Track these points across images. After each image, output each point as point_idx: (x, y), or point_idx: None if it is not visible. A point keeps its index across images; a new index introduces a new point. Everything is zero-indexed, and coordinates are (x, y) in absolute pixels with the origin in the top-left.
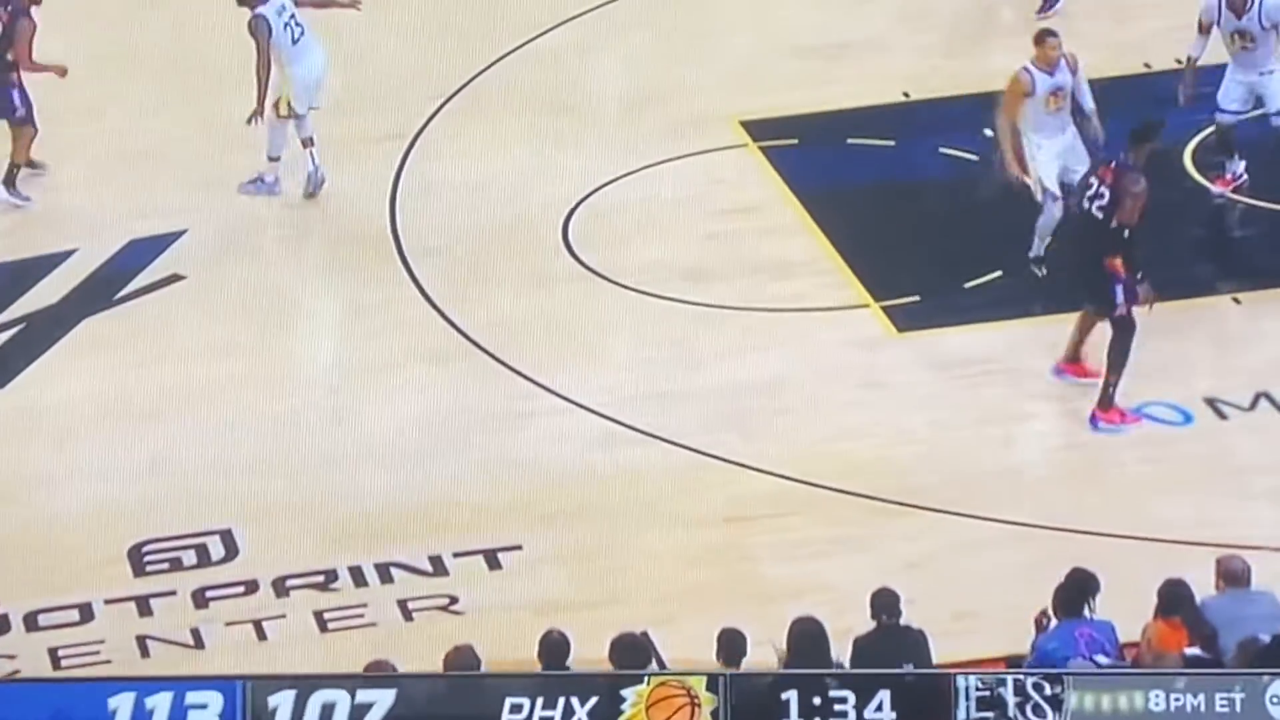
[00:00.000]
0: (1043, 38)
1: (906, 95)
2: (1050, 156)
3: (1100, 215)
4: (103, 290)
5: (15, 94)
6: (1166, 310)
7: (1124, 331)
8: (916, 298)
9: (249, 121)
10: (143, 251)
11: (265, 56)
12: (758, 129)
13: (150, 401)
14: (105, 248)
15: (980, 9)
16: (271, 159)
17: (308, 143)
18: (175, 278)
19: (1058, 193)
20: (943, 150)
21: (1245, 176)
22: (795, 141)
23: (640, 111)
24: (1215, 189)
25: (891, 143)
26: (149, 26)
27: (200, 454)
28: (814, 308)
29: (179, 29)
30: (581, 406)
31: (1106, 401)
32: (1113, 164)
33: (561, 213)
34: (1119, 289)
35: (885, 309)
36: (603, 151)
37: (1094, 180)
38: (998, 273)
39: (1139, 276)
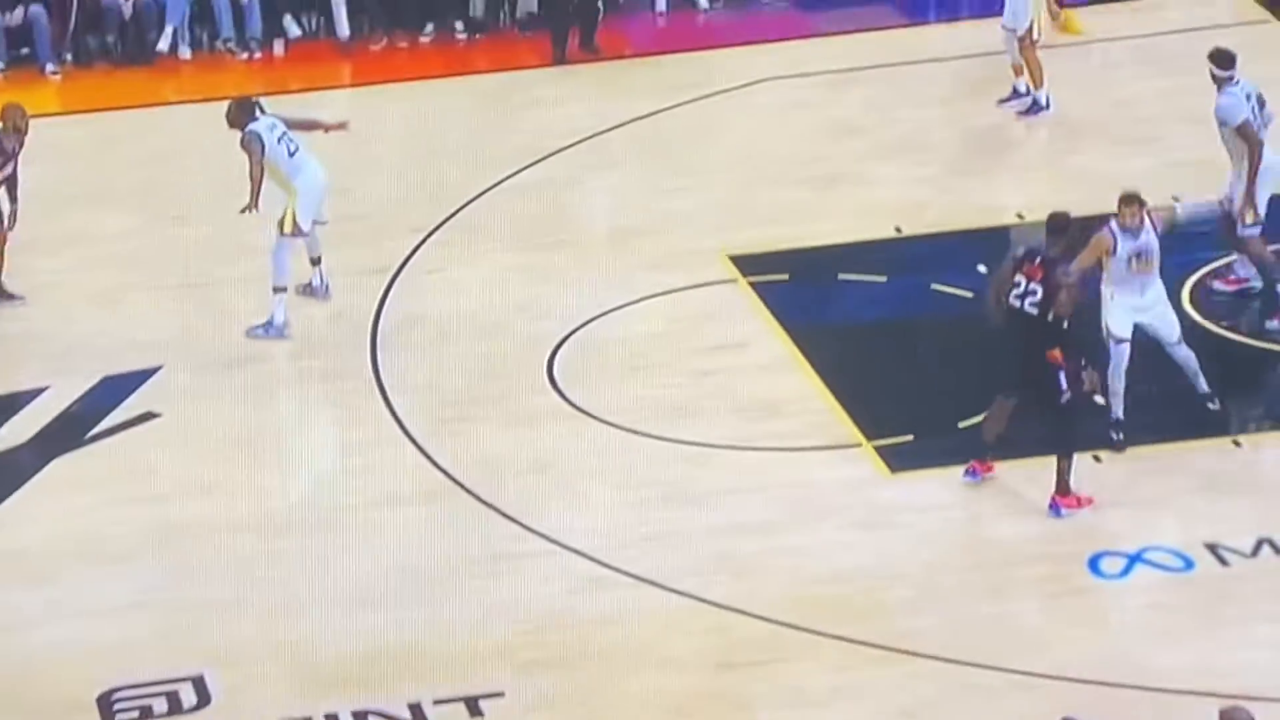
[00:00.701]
0: (1125, 202)
1: (899, 230)
2: (1124, 309)
3: (1035, 312)
4: (74, 428)
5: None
6: (1166, 452)
7: (1069, 417)
8: (910, 437)
9: (243, 212)
10: (116, 388)
11: (259, 168)
12: (747, 264)
13: (124, 542)
14: (78, 385)
15: (974, 142)
16: (277, 289)
17: (316, 261)
18: (149, 415)
19: (1124, 336)
20: (935, 287)
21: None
22: (785, 277)
23: (628, 245)
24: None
25: (883, 279)
26: (122, 160)
27: (175, 596)
28: (805, 447)
29: (151, 163)
30: (567, 548)
31: (1065, 487)
32: (1038, 260)
33: (547, 348)
34: (1061, 376)
35: (878, 449)
36: (589, 286)
37: (1021, 279)
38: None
39: (1083, 363)
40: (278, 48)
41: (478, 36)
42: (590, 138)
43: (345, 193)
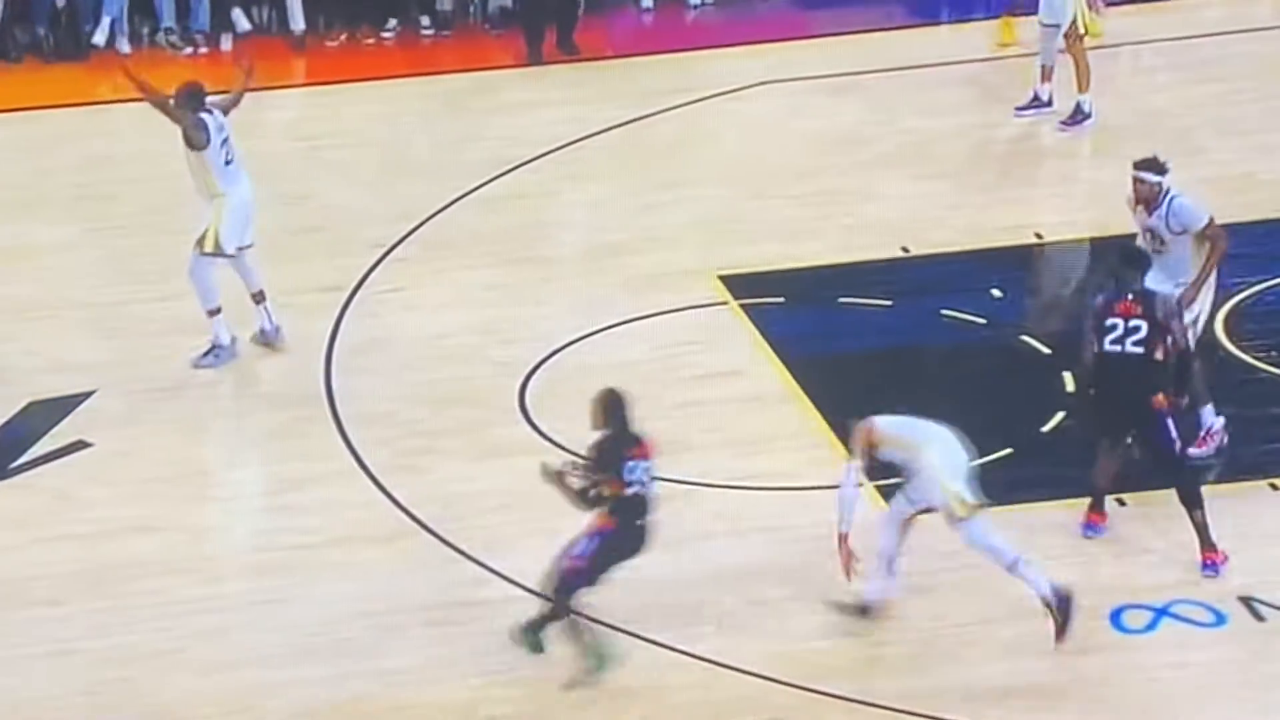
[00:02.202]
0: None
1: (905, 250)
2: None
3: (1140, 350)
4: None
5: None
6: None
7: (1190, 467)
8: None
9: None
10: (44, 415)
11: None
12: (739, 285)
13: (50, 586)
14: (1, 410)
15: (989, 154)
16: (211, 311)
17: (259, 297)
18: (81, 445)
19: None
20: (945, 313)
21: None
22: (780, 300)
23: (608, 264)
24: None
25: (888, 303)
26: (54, 165)
27: (107, 644)
28: (800, 486)
29: (87, 168)
30: (538, 595)
31: (1209, 541)
32: (1130, 296)
33: (518, 376)
34: (1170, 424)
35: (880, 488)
36: (565, 308)
37: (1117, 320)
38: (1007, 450)
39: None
40: (225, 43)
41: (445, 33)
42: (567, 145)
43: (299, 203)
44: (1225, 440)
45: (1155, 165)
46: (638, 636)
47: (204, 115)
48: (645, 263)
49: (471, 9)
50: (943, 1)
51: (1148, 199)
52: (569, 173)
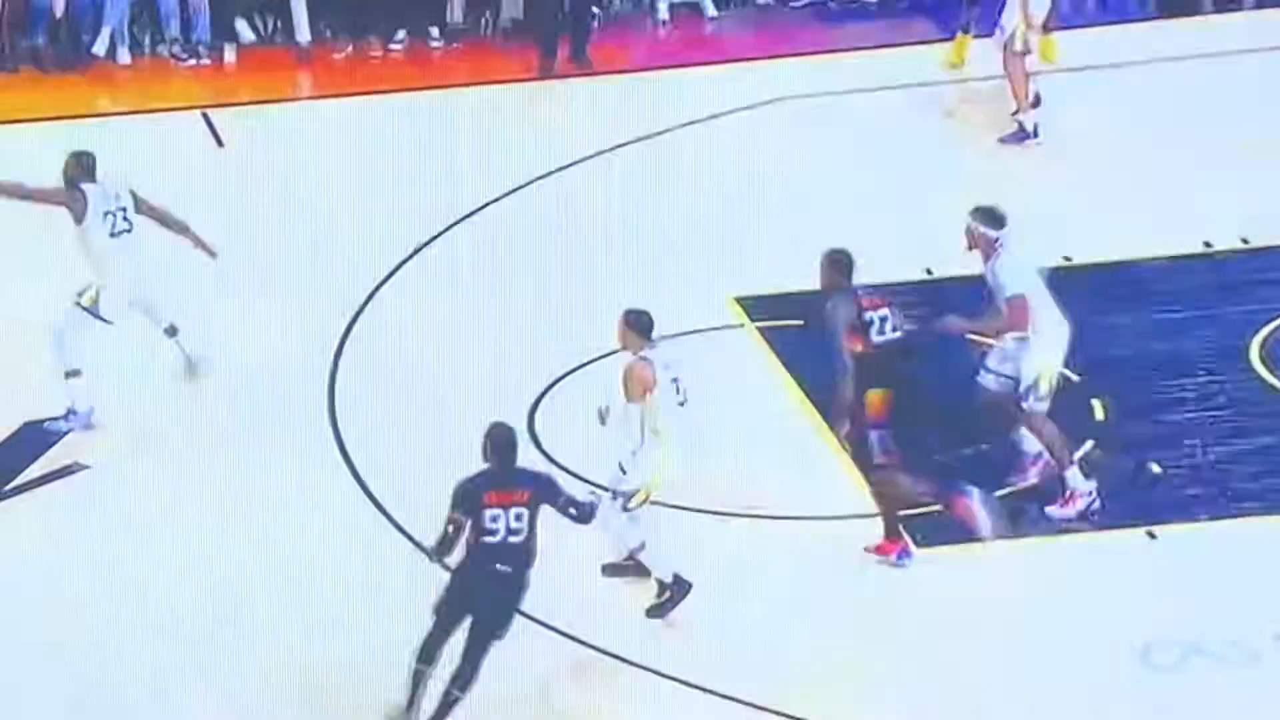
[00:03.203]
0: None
1: (929, 272)
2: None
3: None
4: None
5: None
6: (1229, 529)
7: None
8: (939, 507)
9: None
10: (39, 437)
11: (31, 199)
12: (756, 307)
13: (42, 614)
14: None
15: (1017, 173)
16: (70, 374)
17: (171, 331)
18: (77, 467)
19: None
20: (971, 338)
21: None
22: (800, 322)
23: (620, 283)
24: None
25: (912, 327)
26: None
27: (101, 677)
28: (821, 516)
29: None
30: (549, 627)
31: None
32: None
33: (527, 400)
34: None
35: (903, 520)
36: (575, 330)
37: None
38: (1034, 480)
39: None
40: (229, 54)
41: (455, 45)
42: (580, 162)
43: (301, 221)
44: (1095, 505)
45: (992, 217)
46: (653, 672)
47: (84, 185)
48: (658, 283)
49: (483, 20)
50: (968, 16)
51: (982, 250)
52: (582, 190)
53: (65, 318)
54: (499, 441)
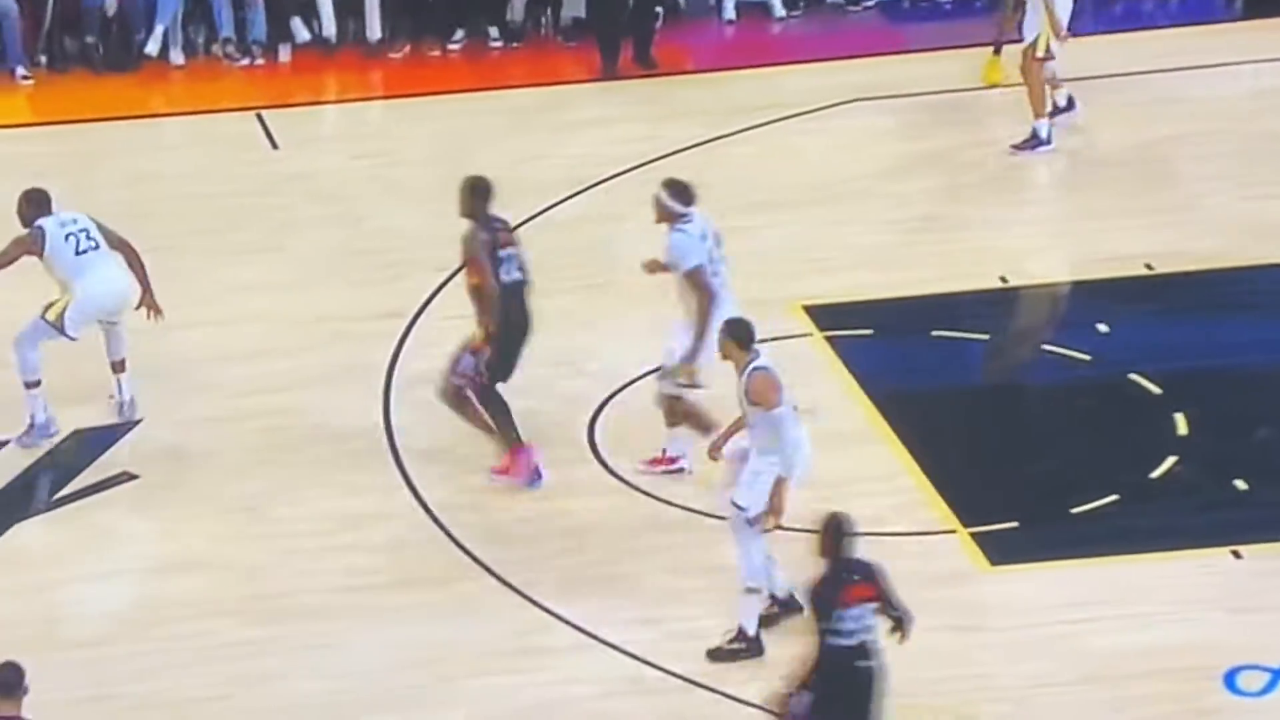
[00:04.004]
0: (657, 191)
1: (1004, 280)
2: None
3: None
4: (40, 489)
5: None
6: (1258, 554)
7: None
8: (1014, 524)
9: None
10: (89, 444)
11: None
12: (824, 316)
13: (92, 626)
14: (43, 440)
15: (1095, 179)
16: (29, 384)
17: (119, 367)
18: (126, 476)
19: None
20: (1046, 348)
21: None
22: (869, 332)
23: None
24: None
25: (985, 337)
26: (102, 180)
27: (149, 689)
28: (889, 532)
29: (136, 183)
30: (604, 643)
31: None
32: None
33: (588, 410)
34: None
35: (976, 536)
36: (637, 338)
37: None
38: (1113, 496)
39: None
40: (283, 53)
41: (515, 45)
42: (642, 165)
43: (357, 224)
44: (688, 468)
45: (678, 189)
46: (712, 690)
47: (40, 222)
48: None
49: (543, 20)
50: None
51: (663, 220)
52: (645, 195)
53: (30, 328)
54: (845, 529)
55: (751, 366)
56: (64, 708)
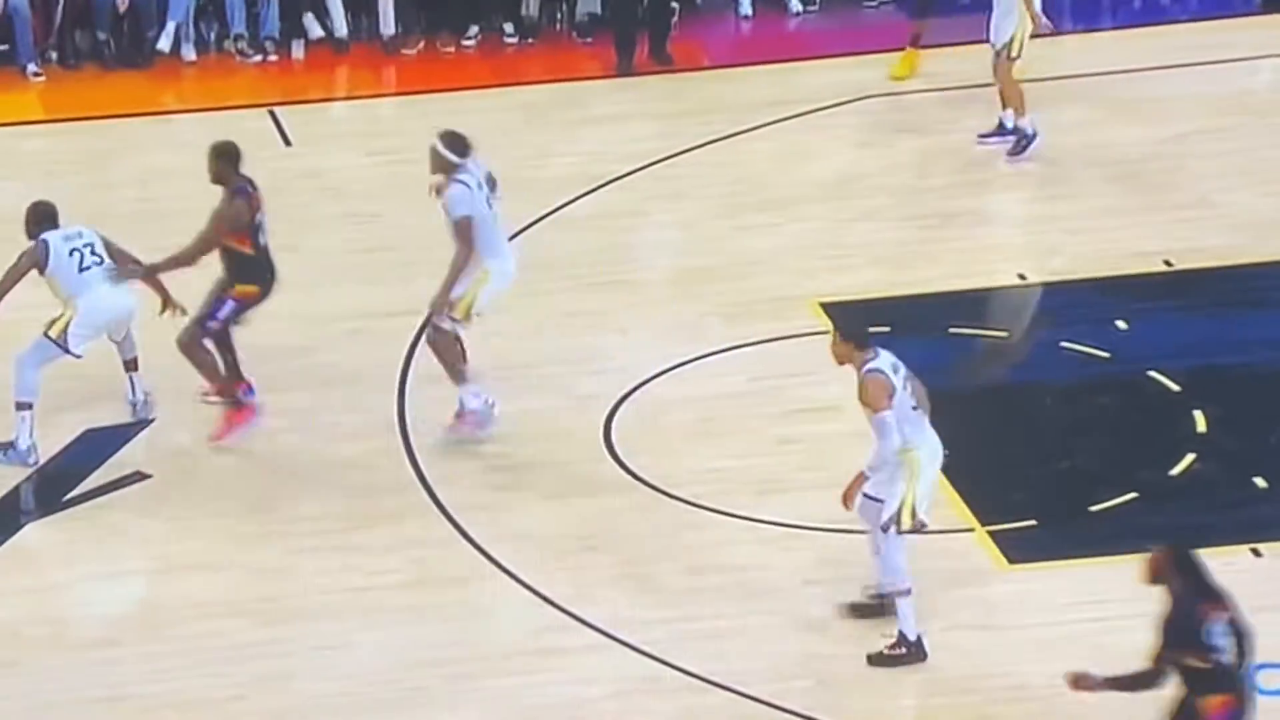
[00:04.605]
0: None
1: (1022, 277)
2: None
3: None
4: (51, 489)
5: None
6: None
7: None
8: (1032, 523)
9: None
10: (100, 444)
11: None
12: (841, 313)
13: (105, 626)
14: (56, 438)
15: (1115, 174)
16: (20, 405)
17: (131, 366)
18: (139, 476)
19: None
20: (1065, 345)
21: None
22: (886, 329)
23: (700, 289)
24: None
25: (1003, 334)
26: (114, 178)
27: (161, 689)
28: (907, 530)
29: (149, 181)
30: (621, 642)
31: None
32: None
33: (604, 408)
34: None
35: (994, 535)
36: (654, 336)
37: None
38: (1131, 495)
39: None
40: (296, 49)
41: (530, 41)
42: (659, 162)
43: (370, 221)
44: (488, 422)
45: (453, 139)
46: (729, 690)
47: (46, 236)
48: (740, 288)
49: (558, 16)
50: (1066, 10)
51: (438, 171)
52: (660, 191)
53: (33, 348)
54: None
55: (866, 368)
56: (75, 708)
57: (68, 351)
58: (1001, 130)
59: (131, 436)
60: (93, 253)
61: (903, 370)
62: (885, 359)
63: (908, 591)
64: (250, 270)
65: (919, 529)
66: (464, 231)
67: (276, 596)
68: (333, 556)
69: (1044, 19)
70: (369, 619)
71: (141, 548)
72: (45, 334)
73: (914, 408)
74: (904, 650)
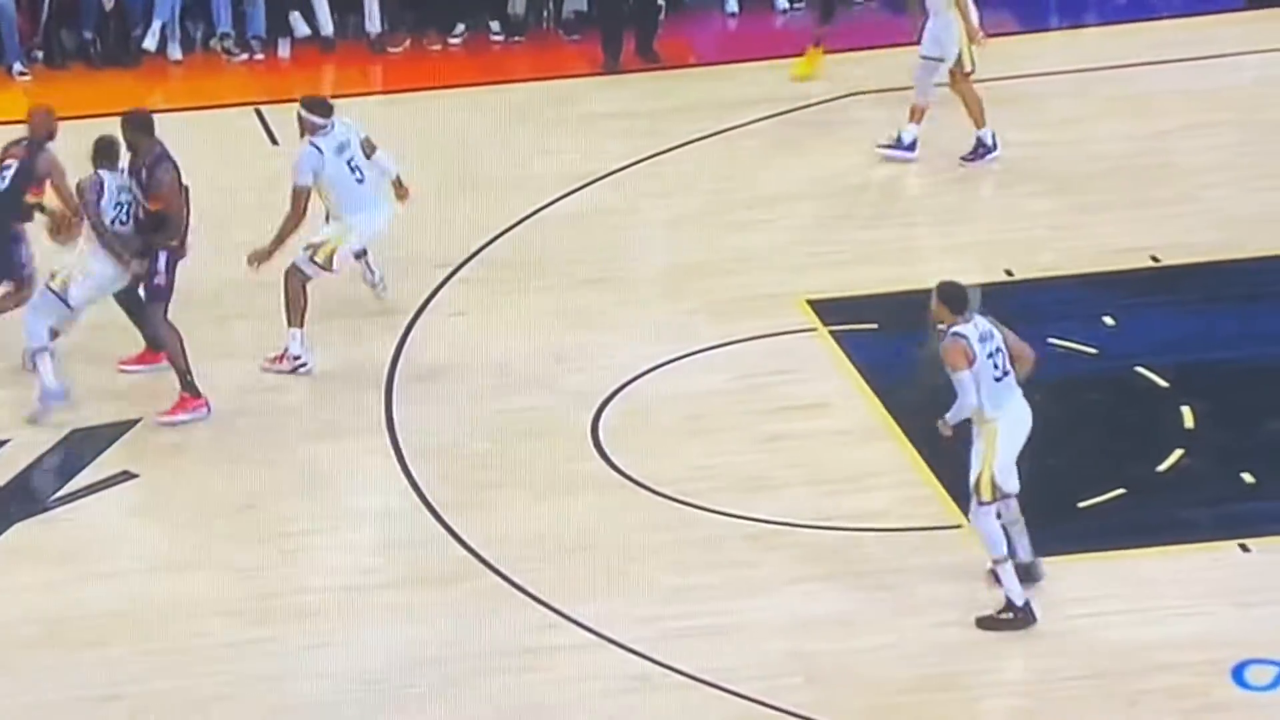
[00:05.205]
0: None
1: (1009, 274)
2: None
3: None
4: (38, 489)
5: (24, 249)
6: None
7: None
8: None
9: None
10: (88, 444)
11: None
12: (829, 310)
13: (94, 625)
14: (43, 438)
15: (1101, 171)
16: (38, 351)
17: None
18: (126, 475)
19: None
20: (1052, 341)
21: None
22: (873, 326)
23: (688, 286)
24: None
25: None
26: None
27: (151, 689)
28: (895, 528)
29: None
30: (612, 641)
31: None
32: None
33: (592, 406)
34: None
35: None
36: (642, 334)
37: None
38: (1120, 491)
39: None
40: (283, 48)
41: (517, 39)
42: (646, 160)
43: None
44: (304, 366)
45: (315, 103)
46: (717, 687)
47: (104, 173)
48: (728, 286)
49: (545, 13)
50: (1053, 7)
51: (304, 133)
52: (648, 189)
53: (37, 298)
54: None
55: (950, 331)
56: (66, 707)
57: (65, 304)
58: (899, 143)
59: (118, 436)
60: (128, 212)
61: (994, 341)
62: (974, 327)
63: (1006, 559)
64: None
65: (1003, 498)
66: (295, 198)
67: (266, 595)
68: (322, 556)
69: (980, 32)
70: (358, 618)
71: (130, 547)
72: (48, 285)
73: (997, 379)
74: (1011, 615)
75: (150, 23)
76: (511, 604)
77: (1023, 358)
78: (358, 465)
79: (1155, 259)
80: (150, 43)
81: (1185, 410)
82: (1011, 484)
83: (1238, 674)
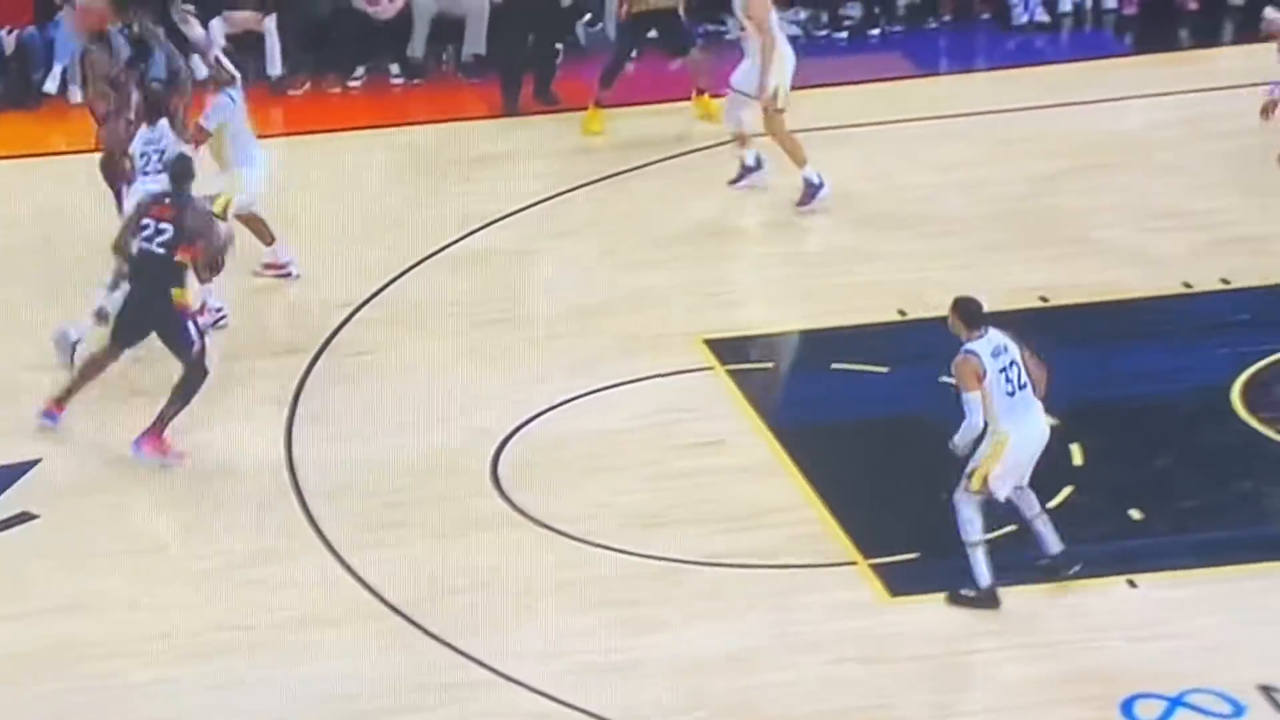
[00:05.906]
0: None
1: (902, 313)
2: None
3: (162, 251)
4: None
5: None
6: (1214, 579)
7: (195, 373)
8: (914, 555)
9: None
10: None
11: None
12: (726, 349)
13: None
14: None
15: (992, 213)
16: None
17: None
18: (25, 516)
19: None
20: (945, 380)
21: None
22: (769, 365)
23: (587, 326)
24: None
25: (884, 369)
26: (8, 226)
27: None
28: (791, 565)
29: (36, 221)
30: (512, 680)
31: (161, 429)
32: (165, 201)
33: (491, 445)
34: (190, 326)
35: (876, 568)
36: (541, 373)
37: (150, 221)
38: (1010, 527)
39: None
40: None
41: (416, 82)
42: (545, 201)
43: (258, 259)
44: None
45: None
46: None
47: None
48: (627, 325)
49: (444, 56)
50: (942, 53)
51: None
52: (547, 229)
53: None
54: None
55: (964, 347)
56: None
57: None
58: (745, 170)
59: (18, 477)
60: (151, 163)
61: (1008, 355)
62: (987, 343)
63: (977, 544)
64: None
65: (988, 498)
66: (198, 135)
67: (168, 635)
68: (225, 595)
69: (769, 91)
70: (261, 657)
71: (31, 588)
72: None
73: (1009, 393)
74: (974, 594)
75: (51, 66)
76: (414, 644)
77: (1037, 374)
78: (258, 505)
79: (1044, 299)
80: (51, 86)
81: (1074, 448)
82: (1002, 491)
83: (1127, 708)
